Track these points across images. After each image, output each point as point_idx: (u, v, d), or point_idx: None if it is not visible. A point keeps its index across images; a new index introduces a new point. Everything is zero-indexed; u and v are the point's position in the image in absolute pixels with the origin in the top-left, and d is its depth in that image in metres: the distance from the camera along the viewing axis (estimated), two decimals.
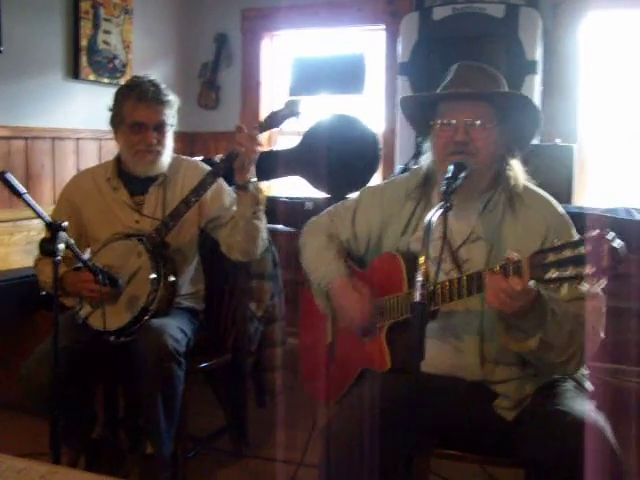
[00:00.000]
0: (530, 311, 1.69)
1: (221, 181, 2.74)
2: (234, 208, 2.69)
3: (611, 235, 1.46)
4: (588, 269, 1.46)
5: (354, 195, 2.34)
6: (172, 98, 2.68)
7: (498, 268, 1.65)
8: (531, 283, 1.62)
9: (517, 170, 2.03)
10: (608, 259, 1.44)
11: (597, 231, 1.47)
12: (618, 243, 1.45)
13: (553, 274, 1.53)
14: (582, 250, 1.48)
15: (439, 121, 1.97)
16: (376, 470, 1.76)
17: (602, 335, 1.89)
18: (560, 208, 2.03)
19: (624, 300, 3.05)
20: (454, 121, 1.93)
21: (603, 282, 1.47)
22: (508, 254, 1.65)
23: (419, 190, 2.12)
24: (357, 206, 2.27)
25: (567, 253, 1.50)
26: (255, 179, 2.58)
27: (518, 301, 1.64)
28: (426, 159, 2.12)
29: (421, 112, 2.07)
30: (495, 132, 1.94)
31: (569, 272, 1.50)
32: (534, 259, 1.57)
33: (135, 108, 2.61)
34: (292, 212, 4.08)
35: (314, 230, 2.33)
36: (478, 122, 1.92)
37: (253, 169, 2.56)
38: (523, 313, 1.69)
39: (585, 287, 1.49)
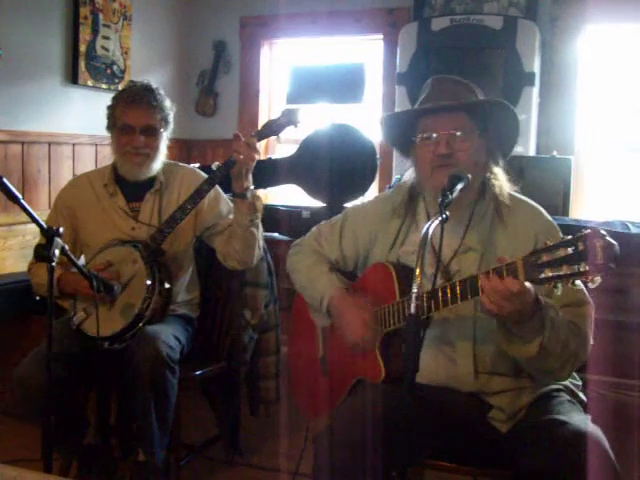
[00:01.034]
0: (530, 317, 1.69)
1: (218, 189, 2.74)
2: (231, 216, 2.69)
3: (604, 232, 1.46)
4: (583, 267, 1.46)
5: (337, 216, 2.33)
6: (165, 103, 2.68)
7: (492, 271, 1.65)
8: (528, 285, 1.62)
9: (502, 179, 2.03)
10: (603, 255, 1.44)
11: (589, 229, 1.47)
12: (611, 240, 1.45)
13: (548, 274, 1.53)
14: (575, 248, 1.47)
15: (420, 136, 1.96)
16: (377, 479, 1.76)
17: (591, 341, 1.89)
18: (547, 215, 2.04)
19: (625, 314, 3.05)
20: (435, 134, 1.93)
21: (598, 279, 1.46)
22: (501, 258, 1.65)
23: (404, 206, 2.12)
24: (343, 226, 2.26)
25: (561, 252, 1.50)
26: (253, 187, 2.58)
27: (513, 303, 1.63)
28: (409, 175, 2.13)
29: (401, 130, 2.06)
30: (477, 141, 1.95)
31: (564, 271, 1.50)
32: (528, 260, 1.57)
33: (124, 111, 2.63)
34: (289, 221, 4.07)
35: (302, 251, 2.32)
36: (458, 133, 1.92)
37: (250, 177, 2.55)
38: (521, 318, 1.69)
39: (580, 287, 1.49)
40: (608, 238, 1.45)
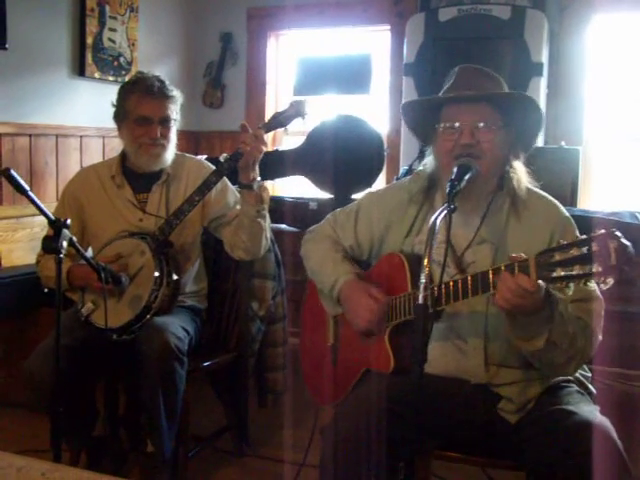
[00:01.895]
0: (539, 311, 1.68)
1: (225, 180, 2.74)
2: (238, 207, 2.69)
3: (618, 234, 1.44)
4: (595, 268, 1.45)
5: (354, 202, 2.32)
6: (177, 93, 2.68)
7: (503, 268, 1.65)
8: (541, 283, 1.61)
9: (520, 173, 2.02)
10: (616, 257, 1.42)
11: (604, 230, 1.46)
12: (626, 242, 1.44)
13: (560, 273, 1.51)
14: (589, 249, 1.46)
15: (443, 124, 1.95)
16: (381, 469, 1.76)
17: (600, 338, 1.88)
18: (564, 211, 2.02)
19: (633, 305, 3.04)
20: (458, 124, 1.92)
21: (610, 281, 1.45)
22: (514, 254, 1.65)
23: (422, 194, 2.11)
24: (358, 212, 2.25)
25: (574, 252, 1.49)
26: (259, 178, 2.58)
27: (525, 300, 1.62)
28: (428, 163, 2.12)
29: (423, 117, 2.06)
30: (500, 134, 1.93)
31: (576, 271, 1.48)
32: (541, 258, 1.56)
33: (140, 102, 2.61)
34: (296, 212, 4.08)
35: (316, 238, 2.31)
36: (483, 124, 1.91)
37: (257, 168, 2.55)
38: (531, 312, 1.68)
39: (592, 286, 1.48)
40: (622, 240, 1.43)
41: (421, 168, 2.19)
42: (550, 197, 2.05)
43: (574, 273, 1.49)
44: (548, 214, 1.99)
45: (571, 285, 1.52)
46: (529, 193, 2.01)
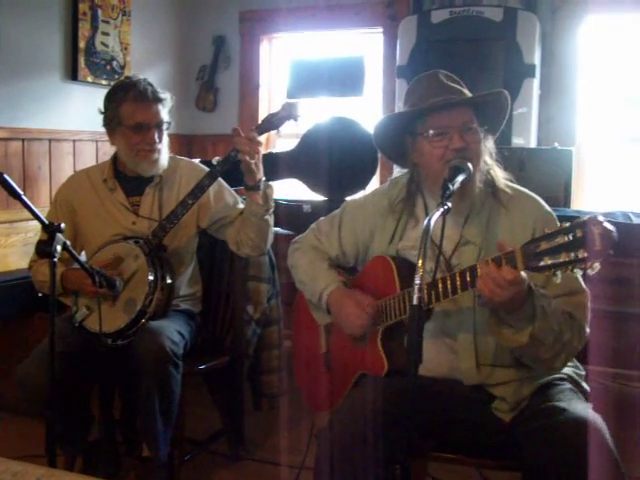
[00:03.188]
0: (520, 306, 1.70)
1: (221, 181, 2.73)
2: (239, 206, 2.70)
3: (601, 219, 1.46)
4: (581, 254, 1.47)
5: (335, 211, 2.33)
6: (167, 96, 2.66)
7: (491, 260, 1.66)
8: (523, 274, 1.62)
9: (497, 170, 2.04)
10: (600, 242, 1.44)
11: (587, 216, 1.47)
12: (609, 226, 1.45)
13: (547, 262, 1.53)
14: (574, 235, 1.48)
15: (431, 132, 1.94)
16: (377, 472, 1.76)
17: (587, 330, 1.89)
18: (545, 204, 2.04)
19: (626, 304, 3.05)
20: (448, 129, 1.93)
21: (597, 266, 1.47)
22: (500, 243, 1.66)
23: (402, 203, 2.12)
24: (341, 222, 2.27)
25: (559, 240, 1.51)
26: (264, 177, 2.57)
27: (507, 291, 1.63)
28: (402, 171, 2.13)
29: (395, 132, 2.06)
30: (480, 134, 1.96)
31: (562, 258, 1.50)
32: (527, 248, 1.58)
33: (136, 109, 2.58)
34: (290, 215, 4.07)
35: (302, 248, 2.33)
36: (470, 127, 1.93)
37: (261, 168, 2.54)
38: (513, 307, 1.69)
39: (577, 278, 1.50)
40: (606, 224, 1.45)
41: (398, 175, 2.20)
42: (529, 192, 2.07)
43: (561, 260, 1.51)
44: (529, 209, 2.00)
45: (558, 273, 1.53)
46: (509, 189, 2.03)
